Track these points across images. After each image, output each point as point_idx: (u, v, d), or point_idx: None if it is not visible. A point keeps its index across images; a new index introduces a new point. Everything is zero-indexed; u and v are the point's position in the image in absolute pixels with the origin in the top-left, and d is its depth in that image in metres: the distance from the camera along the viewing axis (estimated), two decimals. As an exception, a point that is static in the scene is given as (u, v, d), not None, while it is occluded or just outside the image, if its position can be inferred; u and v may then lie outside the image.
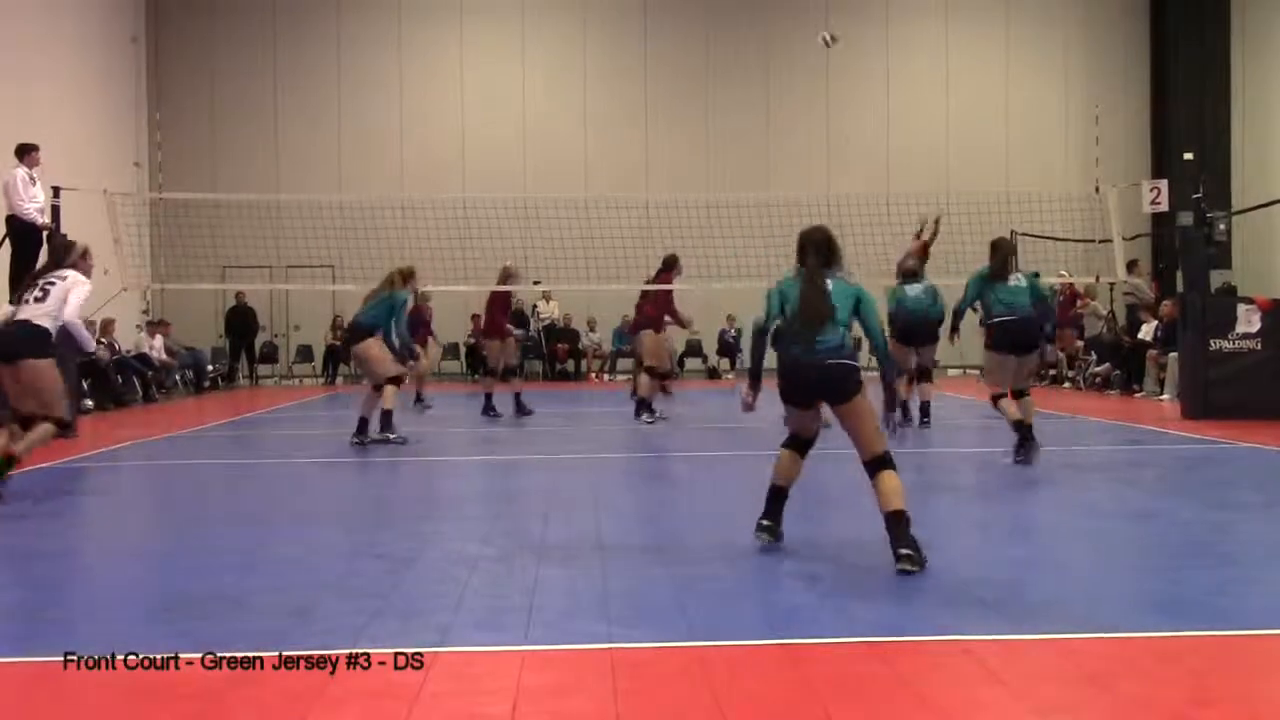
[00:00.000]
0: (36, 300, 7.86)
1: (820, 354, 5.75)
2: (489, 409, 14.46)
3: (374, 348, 11.17)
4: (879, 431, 5.82)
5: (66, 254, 8.25)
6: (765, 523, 6.03)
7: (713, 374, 24.16)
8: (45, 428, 7.85)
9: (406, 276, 11.61)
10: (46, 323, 7.81)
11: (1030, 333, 9.25)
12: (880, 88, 26.04)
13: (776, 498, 6.09)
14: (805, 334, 5.77)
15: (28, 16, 18.99)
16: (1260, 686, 3.87)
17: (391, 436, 11.03)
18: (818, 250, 5.98)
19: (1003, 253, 9.43)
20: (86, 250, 8.41)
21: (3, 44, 17.98)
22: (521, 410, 14.41)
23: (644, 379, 13.50)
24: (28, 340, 7.76)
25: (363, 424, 11.14)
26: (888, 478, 5.66)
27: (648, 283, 14.28)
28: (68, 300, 7.90)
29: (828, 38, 14.75)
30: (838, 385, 5.75)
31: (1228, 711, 3.58)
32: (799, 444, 6.10)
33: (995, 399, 9.42)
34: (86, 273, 8.26)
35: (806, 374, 5.80)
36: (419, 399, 16.03)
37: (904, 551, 5.36)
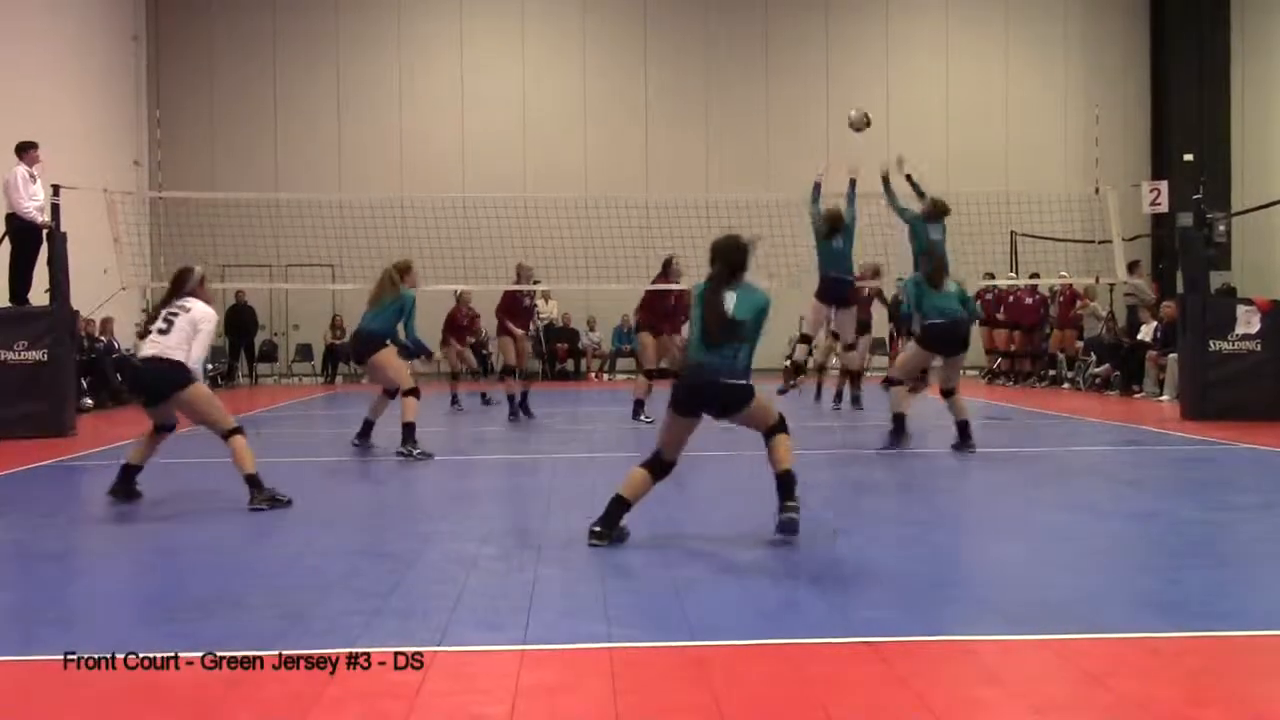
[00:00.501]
0: (160, 333, 7.58)
1: (718, 371, 6.03)
2: (516, 410, 14.06)
3: (390, 357, 10.62)
4: (770, 408, 6.30)
5: (185, 281, 7.87)
6: (598, 529, 6.04)
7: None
8: (235, 441, 7.88)
9: (404, 271, 10.96)
10: (179, 355, 7.54)
11: (961, 336, 10.01)
12: (880, 88, 26.02)
13: (621, 508, 6.11)
14: (707, 349, 6.05)
15: (29, 14, 18.99)
16: (1258, 687, 3.87)
17: (415, 452, 10.24)
18: (725, 261, 6.16)
19: (940, 263, 10.22)
20: (204, 277, 8.05)
21: (3, 41, 17.98)
22: (520, 411, 14.15)
23: (640, 379, 13.55)
24: (165, 378, 7.58)
25: (367, 427, 10.83)
26: (780, 441, 6.18)
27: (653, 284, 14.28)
28: (198, 335, 7.63)
29: (856, 118, 13.93)
30: (732, 403, 6.15)
31: (1225, 712, 3.59)
32: (660, 466, 6.23)
33: (890, 382, 10.36)
34: (208, 301, 7.93)
35: (703, 388, 6.11)
36: (454, 400, 15.94)
37: (789, 504, 5.99)
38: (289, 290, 24.09)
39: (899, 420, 10.32)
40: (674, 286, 13.61)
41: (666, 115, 25.62)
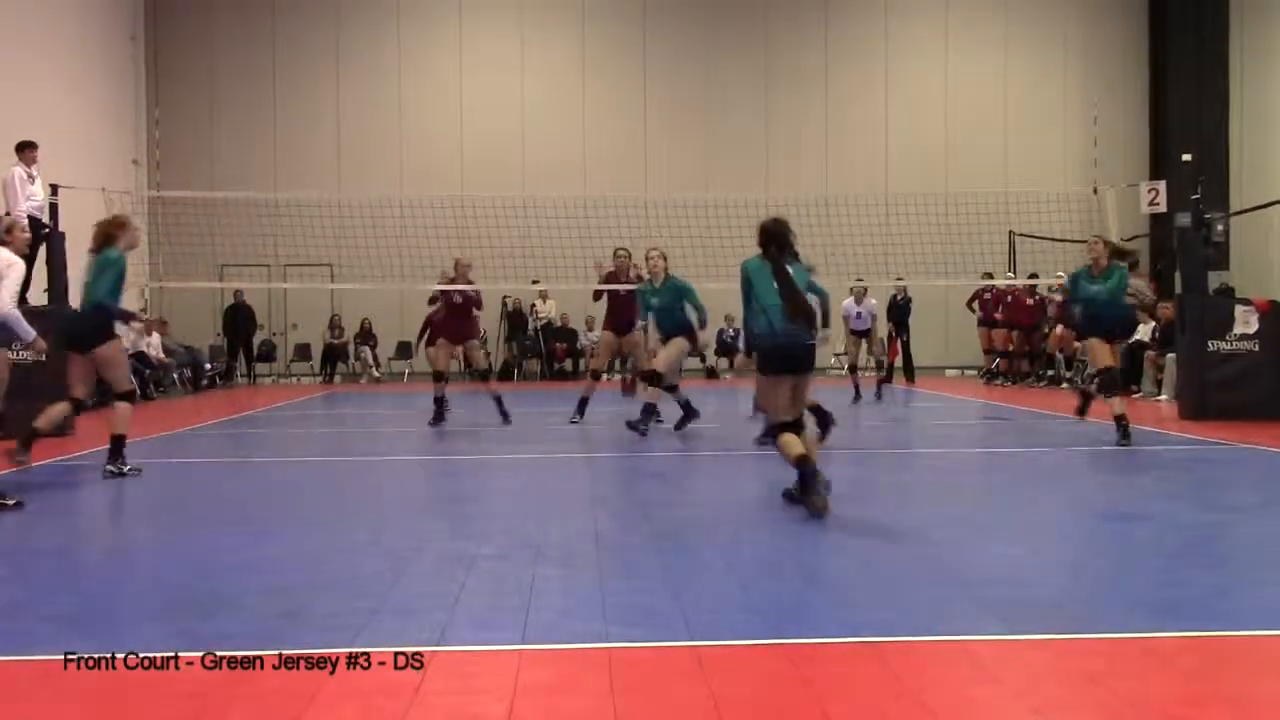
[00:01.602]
0: None
1: (803, 335, 7.18)
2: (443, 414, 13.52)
3: (114, 347, 8.90)
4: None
5: None
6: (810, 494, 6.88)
7: (711, 374, 24.17)
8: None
9: (118, 228, 9.03)
10: None
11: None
12: (879, 89, 26.05)
13: (810, 471, 6.89)
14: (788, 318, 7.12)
15: (27, 14, 18.98)
16: (1256, 687, 3.88)
17: (125, 468, 8.91)
18: (780, 241, 7.24)
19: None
20: (14, 225, 7.64)
21: (2, 41, 17.98)
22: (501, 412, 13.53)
23: (589, 379, 13.53)
24: None
25: (33, 435, 8.76)
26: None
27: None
28: (3, 281, 7.21)
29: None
30: (810, 363, 7.26)
31: (1223, 712, 3.60)
32: (791, 426, 7.10)
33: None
34: (20, 251, 7.54)
35: (795, 350, 7.17)
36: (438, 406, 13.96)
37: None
38: (287, 290, 24.09)
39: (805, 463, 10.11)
40: (622, 286, 13.22)
41: (665, 115, 25.62)
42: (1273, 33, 25.19)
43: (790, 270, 7.21)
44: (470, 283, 13.72)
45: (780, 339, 7.20)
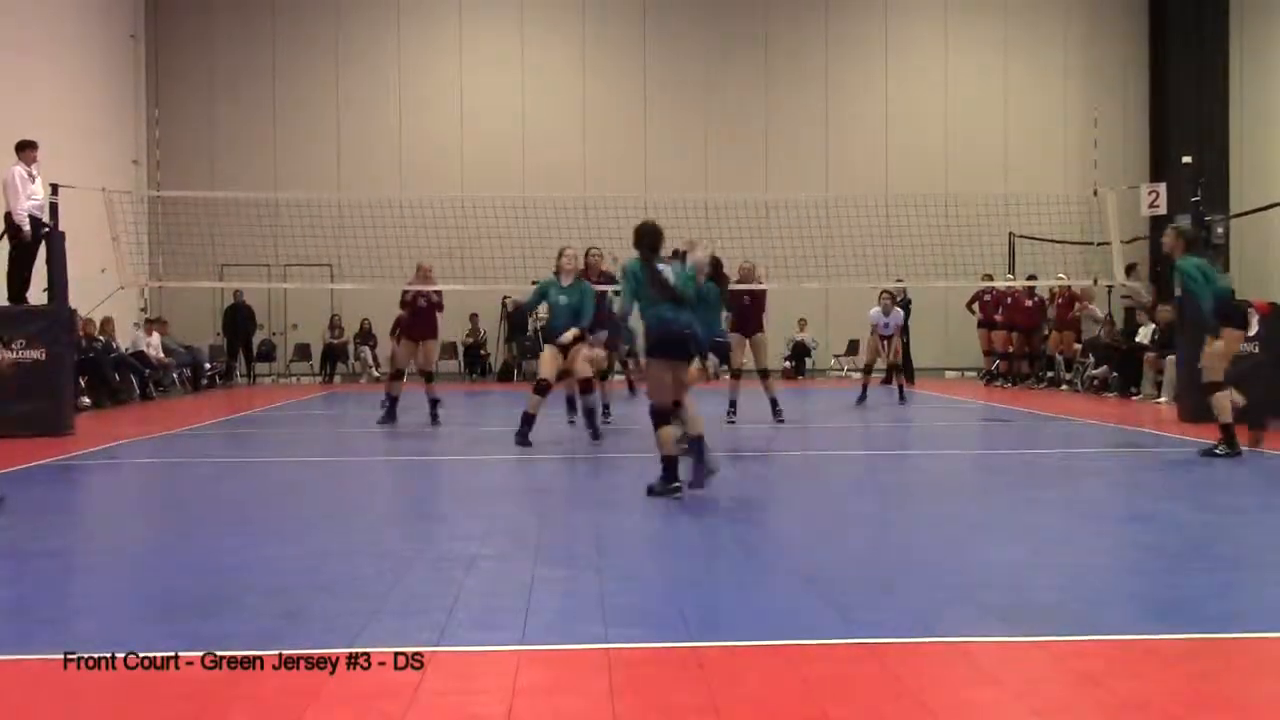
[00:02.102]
0: None
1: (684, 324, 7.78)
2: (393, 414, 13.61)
3: None
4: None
5: None
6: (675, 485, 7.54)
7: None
8: None
9: None
10: None
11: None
12: (879, 89, 26.05)
13: (673, 463, 7.58)
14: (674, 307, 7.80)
15: (28, 14, 18.98)
16: (1257, 689, 3.88)
17: None
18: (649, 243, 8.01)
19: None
20: None
21: (2, 41, 17.98)
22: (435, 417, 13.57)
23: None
24: None
25: None
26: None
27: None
28: None
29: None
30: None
31: (1223, 714, 3.60)
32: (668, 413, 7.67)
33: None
34: None
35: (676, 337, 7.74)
36: (386, 405, 13.98)
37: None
38: (287, 290, 24.09)
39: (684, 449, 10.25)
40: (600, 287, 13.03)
41: (665, 115, 25.62)
42: (1273, 34, 25.19)
43: (664, 269, 7.95)
44: (433, 284, 14.10)
45: (662, 328, 7.85)
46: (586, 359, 11.46)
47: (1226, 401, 9.96)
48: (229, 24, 25.25)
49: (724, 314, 11.19)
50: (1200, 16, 25.16)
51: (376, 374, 23.95)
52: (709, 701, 3.61)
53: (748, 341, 13.78)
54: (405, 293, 14.11)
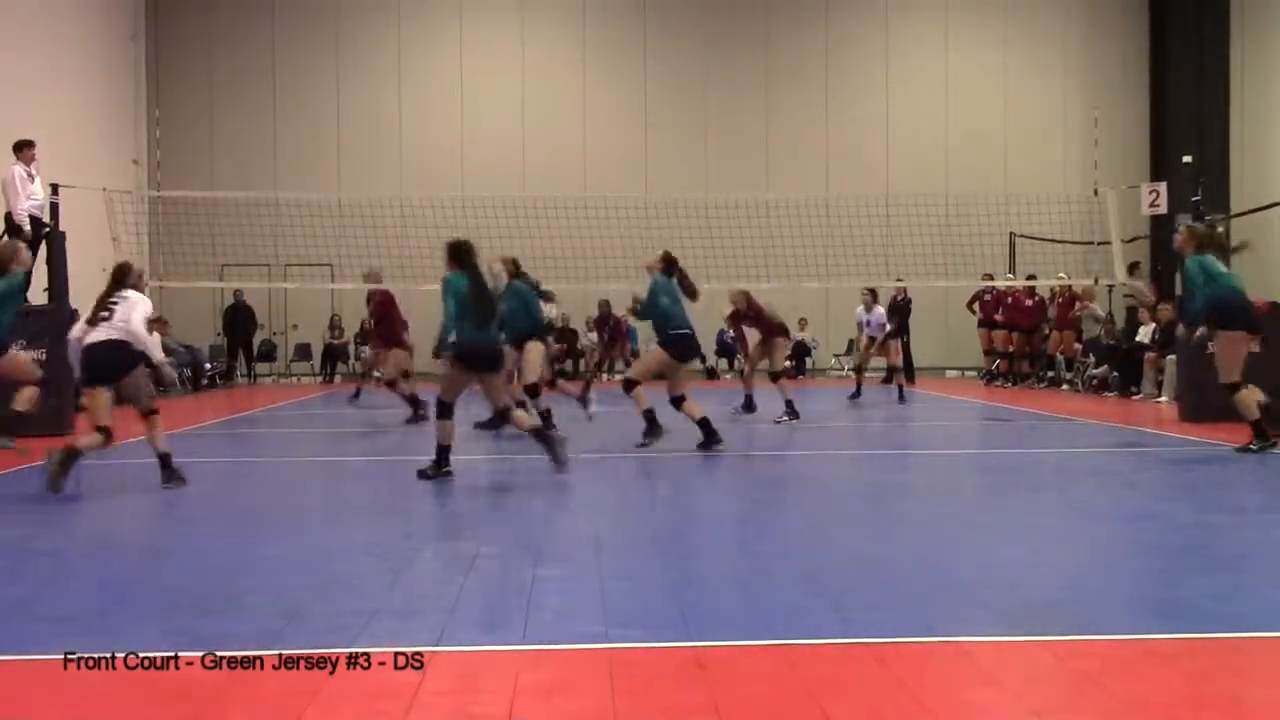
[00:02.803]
0: (104, 321, 8.47)
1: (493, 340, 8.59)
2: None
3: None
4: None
5: (126, 275, 8.85)
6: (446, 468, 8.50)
7: (711, 374, 24.16)
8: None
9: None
10: (122, 337, 8.49)
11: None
12: (879, 89, 26.05)
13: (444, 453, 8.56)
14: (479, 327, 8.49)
15: (27, 14, 18.98)
16: (1256, 689, 3.88)
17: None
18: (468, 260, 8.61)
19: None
20: (141, 273, 9.21)
21: (2, 41, 17.98)
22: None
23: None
24: (116, 358, 8.48)
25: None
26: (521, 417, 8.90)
27: None
28: (135, 315, 8.56)
29: None
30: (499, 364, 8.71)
31: (1223, 714, 3.60)
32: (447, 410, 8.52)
33: (630, 384, 10.67)
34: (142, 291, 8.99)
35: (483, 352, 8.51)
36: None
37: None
38: (288, 289, 24.08)
39: (649, 415, 10.56)
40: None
41: (666, 116, 25.62)
42: (1274, 34, 25.17)
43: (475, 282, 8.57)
44: (380, 284, 14.64)
45: (471, 342, 8.47)
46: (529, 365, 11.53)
47: (1251, 399, 9.93)
48: (230, 24, 25.25)
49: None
50: (1200, 16, 25.15)
51: (377, 374, 23.93)
52: (709, 701, 3.61)
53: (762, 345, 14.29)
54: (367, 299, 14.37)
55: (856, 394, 16.99)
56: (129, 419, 8.90)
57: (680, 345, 10.62)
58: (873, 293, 17.62)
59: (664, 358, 10.68)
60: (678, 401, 10.49)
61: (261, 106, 25.22)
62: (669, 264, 10.90)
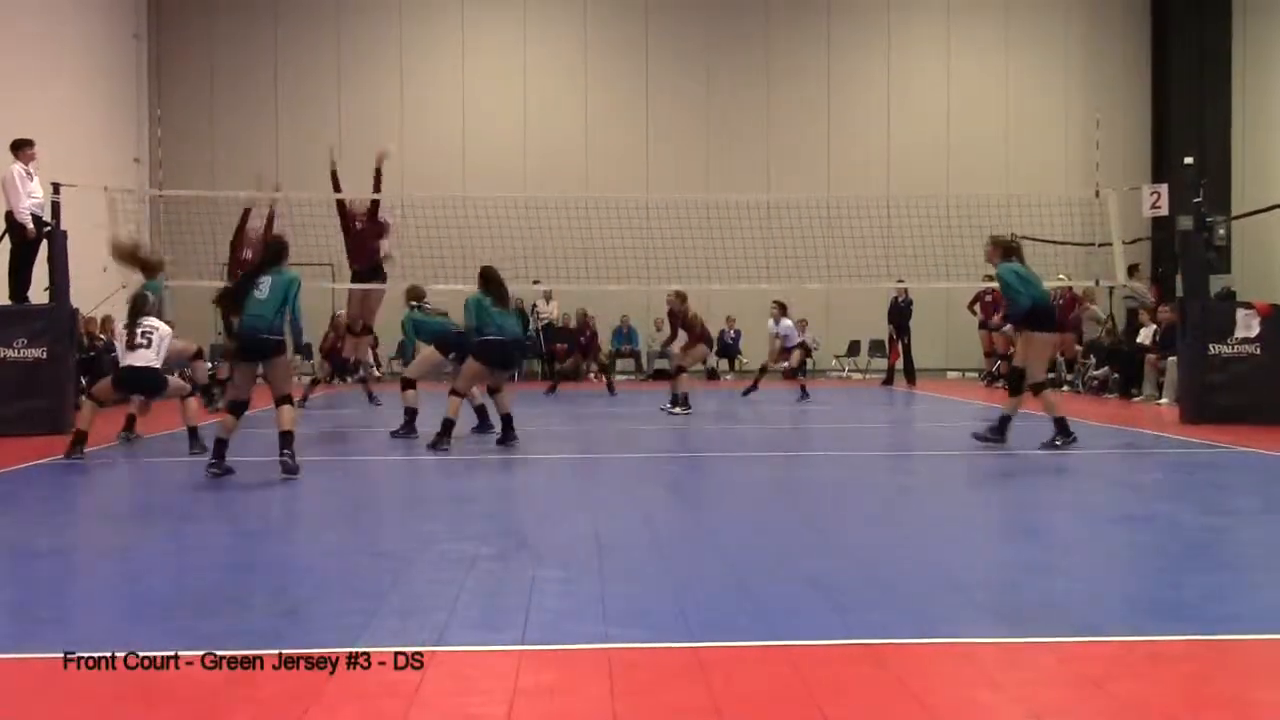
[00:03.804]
0: (144, 348, 10.04)
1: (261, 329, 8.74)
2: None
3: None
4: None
5: (144, 306, 10.26)
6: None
7: (712, 375, 24.17)
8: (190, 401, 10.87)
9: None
10: (159, 364, 10.22)
11: (513, 352, 11.58)
12: (880, 90, 26.04)
13: (222, 445, 8.69)
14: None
15: (30, 13, 18.98)
16: (1256, 691, 3.87)
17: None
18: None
19: (498, 283, 11.22)
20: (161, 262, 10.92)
21: (4, 40, 17.98)
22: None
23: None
24: (156, 381, 10.36)
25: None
26: (286, 410, 8.80)
27: None
28: (164, 345, 10.28)
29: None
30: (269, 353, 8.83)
31: (1223, 715, 3.60)
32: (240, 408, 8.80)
33: (456, 393, 11.09)
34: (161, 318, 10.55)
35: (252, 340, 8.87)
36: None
37: (285, 453, 8.61)
38: (288, 289, 24.04)
39: (506, 419, 11.03)
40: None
41: (667, 116, 25.61)
42: (1275, 35, 25.17)
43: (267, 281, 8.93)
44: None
45: (243, 330, 8.97)
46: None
47: (1053, 398, 10.93)
48: (231, 24, 25.24)
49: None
50: (1202, 16, 25.13)
51: (377, 374, 23.95)
52: (709, 701, 3.61)
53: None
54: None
55: (753, 389, 17.91)
56: (112, 421, 8.92)
57: (490, 352, 11.02)
58: (781, 305, 18.16)
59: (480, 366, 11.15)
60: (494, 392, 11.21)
61: (263, 106, 25.22)
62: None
